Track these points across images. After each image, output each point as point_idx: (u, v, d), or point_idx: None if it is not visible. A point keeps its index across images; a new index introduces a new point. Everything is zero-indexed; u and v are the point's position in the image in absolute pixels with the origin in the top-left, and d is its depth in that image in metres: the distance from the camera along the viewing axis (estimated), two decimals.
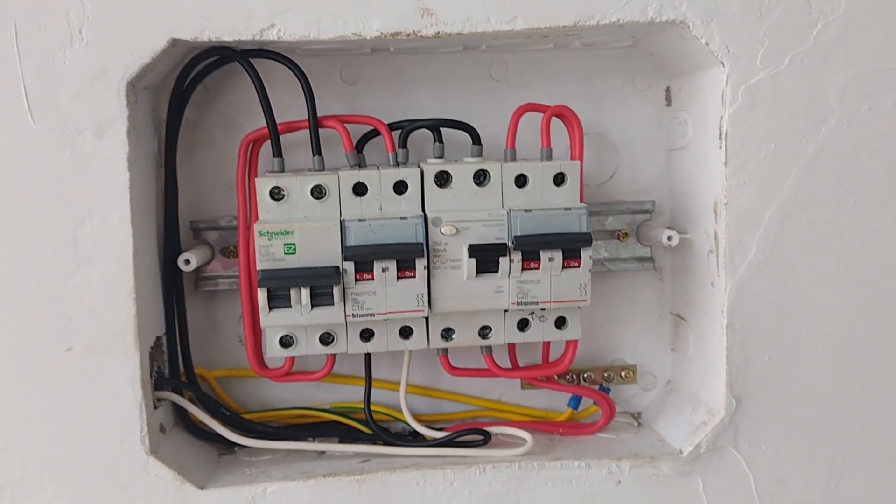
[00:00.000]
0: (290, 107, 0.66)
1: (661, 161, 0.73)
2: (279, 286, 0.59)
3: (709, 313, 0.67)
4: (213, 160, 0.69)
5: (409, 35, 0.59)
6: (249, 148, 0.66)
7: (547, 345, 0.69)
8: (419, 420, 0.70)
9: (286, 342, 0.62)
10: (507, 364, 0.69)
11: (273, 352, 0.62)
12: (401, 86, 0.71)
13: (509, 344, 0.68)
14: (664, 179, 0.73)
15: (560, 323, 0.65)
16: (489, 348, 0.66)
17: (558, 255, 0.61)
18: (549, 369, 0.69)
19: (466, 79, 0.71)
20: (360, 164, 0.66)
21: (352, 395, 0.72)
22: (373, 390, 0.69)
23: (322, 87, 0.65)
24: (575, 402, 0.72)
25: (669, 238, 0.67)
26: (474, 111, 0.71)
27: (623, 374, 0.74)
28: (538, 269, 0.61)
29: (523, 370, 0.69)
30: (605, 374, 0.74)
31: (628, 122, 0.73)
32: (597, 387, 0.73)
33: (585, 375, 0.73)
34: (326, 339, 0.63)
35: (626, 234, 0.72)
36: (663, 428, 0.71)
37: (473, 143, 0.66)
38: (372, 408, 0.69)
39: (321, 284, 0.59)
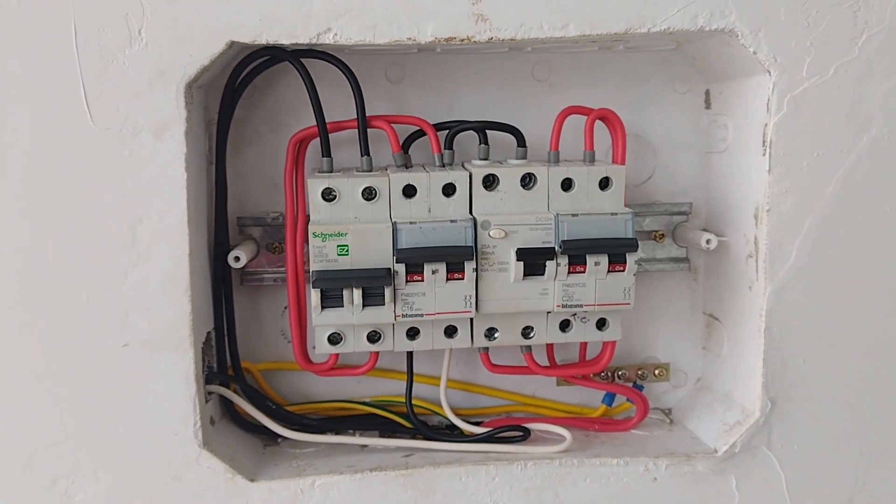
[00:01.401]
0: (335, 105, 0.67)
1: (699, 164, 0.74)
2: (333, 287, 0.60)
3: (745, 316, 0.68)
4: (258, 157, 0.70)
5: (463, 41, 0.60)
6: (297, 146, 0.66)
7: (584, 343, 0.71)
8: (457, 414, 0.71)
9: (335, 339, 0.64)
10: (545, 362, 0.71)
11: (322, 349, 0.64)
12: (444, 85, 0.71)
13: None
14: (701, 182, 0.74)
15: (601, 324, 0.66)
16: (529, 347, 0.68)
17: (604, 260, 0.62)
18: (587, 368, 0.70)
19: (509, 79, 0.72)
20: (407, 164, 0.67)
21: (391, 388, 0.74)
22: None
23: (366, 86, 0.66)
24: (609, 398, 0.74)
25: (708, 241, 0.68)
26: (516, 111, 0.71)
27: (656, 371, 0.75)
28: (584, 272, 0.63)
29: (562, 368, 0.71)
30: (639, 372, 0.75)
31: (667, 124, 0.74)
32: (630, 384, 0.75)
33: (620, 373, 0.75)
34: (374, 336, 0.64)
35: (662, 235, 0.73)
36: (696, 426, 0.72)
37: (518, 146, 0.67)
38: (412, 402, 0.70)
39: (373, 286, 0.60)
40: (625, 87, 0.73)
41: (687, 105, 0.74)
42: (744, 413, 0.68)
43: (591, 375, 0.73)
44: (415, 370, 0.70)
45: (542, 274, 0.62)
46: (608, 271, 0.63)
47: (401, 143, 0.67)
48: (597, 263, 0.62)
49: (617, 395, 0.74)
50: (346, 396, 0.74)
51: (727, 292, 0.71)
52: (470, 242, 0.61)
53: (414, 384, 0.70)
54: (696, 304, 0.76)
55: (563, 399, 0.76)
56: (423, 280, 0.61)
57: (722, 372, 0.73)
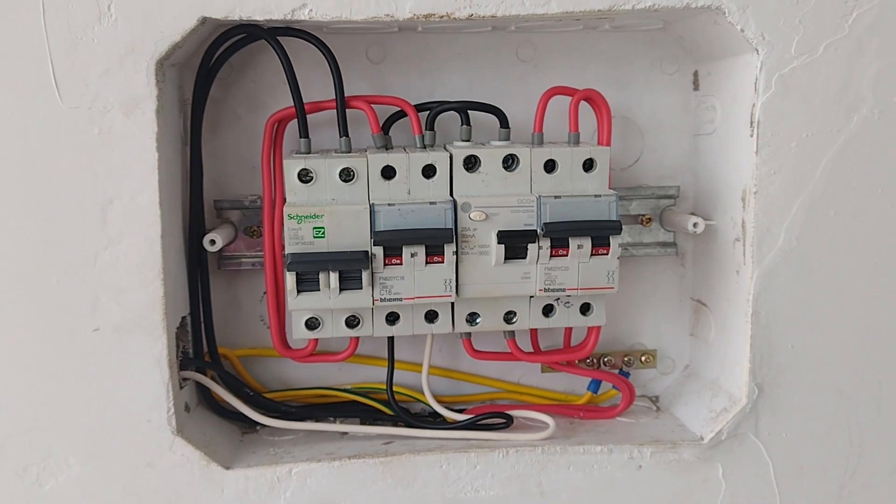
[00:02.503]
0: (314, 85, 0.66)
1: (687, 146, 0.73)
2: (308, 270, 0.59)
3: (733, 301, 0.67)
4: (236, 138, 0.69)
5: (442, 17, 0.58)
6: (275, 127, 0.65)
7: (569, 329, 0.69)
8: (439, 401, 0.70)
9: (312, 324, 0.62)
10: (529, 348, 0.69)
11: (299, 334, 0.62)
12: (427, 65, 0.70)
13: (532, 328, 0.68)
14: (689, 165, 0.73)
15: (585, 309, 0.65)
16: (512, 332, 0.67)
17: (587, 243, 0.61)
18: (572, 354, 0.69)
19: (493, 59, 0.70)
20: (387, 145, 0.65)
21: (372, 375, 0.73)
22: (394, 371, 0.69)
23: (347, 66, 0.64)
24: (595, 385, 0.73)
25: (695, 225, 0.67)
26: (500, 92, 0.70)
27: (643, 358, 0.74)
28: (566, 256, 0.61)
29: (546, 354, 0.70)
30: (625, 359, 0.74)
31: (654, 105, 0.72)
32: (616, 371, 0.74)
33: (606, 359, 0.73)
34: (352, 321, 0.63)
35: (649, 219, 0.72)
36: (682, 413, 0.71)
37: (501, 127, 0.65)
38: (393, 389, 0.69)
39: (350, 269, 0.59)
40: (611, 68, 0.71)
41: (675, 86, 0.72)
42: (731, 400, 0.67)
43: (577, 362, 0.71)
44: (396, 356, 0.69)
45: (524, 257, 0.61)
46: (591, 254, 0.61)
47: (381, 124, 0.65)
48: (580, 246, 0.61)
49: (602, 381, 0.73)
50: (327, 383, 0.73)
51: (715, 277, 0.70)
52: (450, 225, 0.60)
53: (396, 371, 0.69)
54: (683, 289, 0.75)
55: (548, 386, 0.75)
56: (401, 263, 0.60)
57: (709, 358, 0.72)
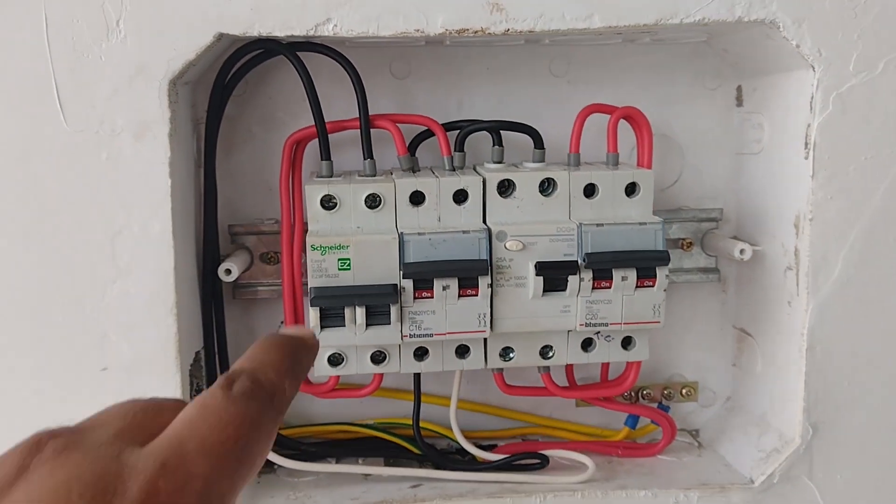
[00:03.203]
0: (334, 102, 0.61)
1: (729, 166, 0.69)
2: (333, 305, 0.54)
3: (784, 333, 0.62)
4: (251, 159, 0.65)
5: (476, 32, 0.54)
6: (294, 148, 0.61)
7: (607, 363, 0.65)
8: (466, 437, 0.65)
9: (335, 360, 0.58)
10: (564, 381, 0.65)
11: (321, 371, 0.58)
12: (454, 81, 0.66)
13: None
14: (731, 186, 0.69)
15: (626, 342, 0.61)
16: (547, 366, 0.62)
17: (632, 274, 0.57)
18: (610, 389, 0.64)
19: (524, 74, 0.66)
20: (414, 168, 0.61)
21: (396, 409, 0.68)
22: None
23: (369, 82, 0.60)
24: (632, 420, 0.68)
25: (742, 252, 0.63)
26: (531, 110, 0.66)
27: (684, 391, 0.70)
28: (609, 288, 0.57)
29: (583, 390, 0.65)
30: (665, 392, 0.70)
31: (695, 122, 0.68)
32: (655, 404, 0.69)
33: (644, 392, 0.69)
34: (378, 357, 0.58)
35: (690, 243, 0.68)
36: (728, 451, 0.67)
37: (535, 147, 0.61)
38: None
39: (378, 303, 0.55)
40: (649, 83, 0.67)
41: (717, 102, 0.68)
42: (782, 439, 0.62)
43: (614, 396, 0.67)
44: (421, 388, 0.65)
45: (564, 290, 0.57)
46: (636, 286, 0.57)
47: (407, 145, 0.61)
48: (624, 278, 0.57)
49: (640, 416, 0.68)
50: (348, 418, 0.68)
51: (762, 306, 0.65)
52: (484, 255, 0.55)
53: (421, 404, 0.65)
54: (725, 317, 0.70)
55: (581, 420, 0.71)
56: (432, 297, 0.55)
57: (755, 392, 0.67)
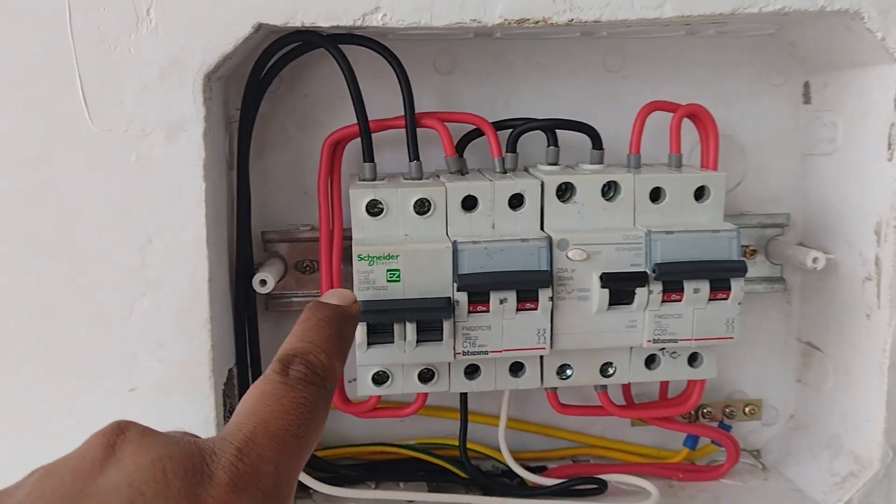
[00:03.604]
0: (374, 99, 0.56)
1: (795, 168, 0.64)
2: (382, 320, 0.50)
3: (860, 348, 0.58)
4: (286, 160, 0.60)
5: (538, 23, 0.50)
6: (333, 149, 0.56)
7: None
8: (515, 458, 0.61)
9: (380, 379, 0.54)
10: (620, 400, 0.61)
11: (365, 391, 0.54)
12: (501, 77, 0.61)
13: None
14: (797, 189, 0.64)
15: (693, 359, 0.56)
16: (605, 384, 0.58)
17: (705, 287, 0.52)
18: (671, 409, 0.60)
19: (577, 69, 0.62)
20: (462, 170, 0.56)
21: (438, 428, 0.64)
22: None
23: (413, 77, 0.55)
24: (692, 441, 0.64)
25: (815, 260, 0.58)
26: (584, 107, 0.62)
27: (747, 409, 0.65)
28: (680, 301, 0.52)
29: (642, 409, 0.61)
30: (727, 410, 0.65)
31: (758, 121, 0.63)
32: (716, 424, 0.65)
33: (705, 411, 0.65)
34: (426, 375, 0.54)
35: (754, 250, 0.63)
36: (795, 474, 0.62)
37: (594, 148, 0.57)
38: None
39: (430, 318, 0.50)
40: (709, 79, 0.63)
41: (782, 99, 0.63)
42: (858, 462, 0.58)
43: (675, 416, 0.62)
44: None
45: (631, 303, 0.52)
46: (709, 299, 0.52)
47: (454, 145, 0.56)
48: (696, 290, 0.52)
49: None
50: (387, 438, 0.64)
51: (834, 319, 0.61)
52: (545, 266, 0.51)
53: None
54: (789, 330, 0.66)
55: (635, 439, 0.66)
56: (488, 311, 0.51)
57: (825, 410, 0.63)
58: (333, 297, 0.43)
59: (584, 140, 0.56)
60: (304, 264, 0.60)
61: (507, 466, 0.60)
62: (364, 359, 0.51)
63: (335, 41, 0.54)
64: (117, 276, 0.49)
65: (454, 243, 0.50)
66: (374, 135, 0.56)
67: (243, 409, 0.32)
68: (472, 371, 0.55)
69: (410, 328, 0.50)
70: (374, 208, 0.52)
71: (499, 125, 0.57)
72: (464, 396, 0.59)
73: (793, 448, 0.64)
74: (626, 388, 0.60)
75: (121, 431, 0.29)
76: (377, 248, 0.50)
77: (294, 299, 0.60)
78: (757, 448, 0.67)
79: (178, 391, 0.51)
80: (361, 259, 0.50)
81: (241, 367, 0.57)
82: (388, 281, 0.50)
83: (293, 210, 0.61)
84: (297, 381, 0.33)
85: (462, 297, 0.50)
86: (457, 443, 0.60)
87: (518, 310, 0.51)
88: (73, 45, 0.48)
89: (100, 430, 0.29)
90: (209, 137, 0.50)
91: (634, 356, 0.55)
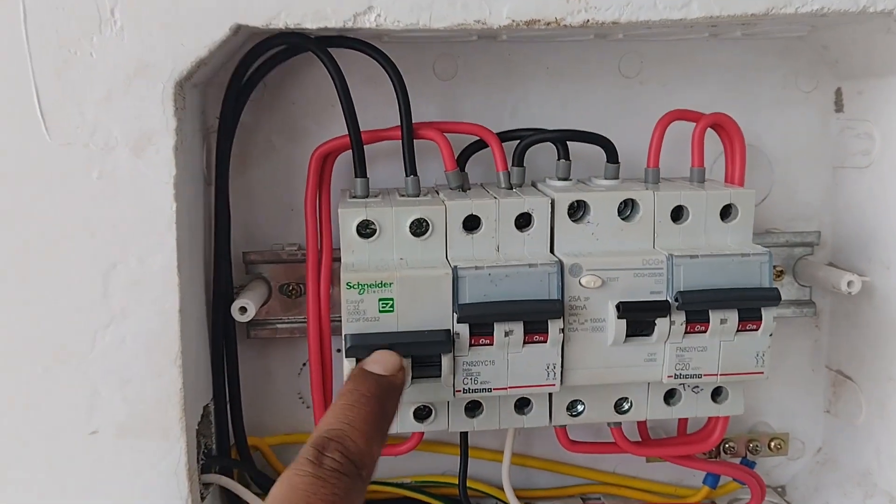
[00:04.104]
0: (366, 108, 0.51)
1: (825, 181, 0.59)
2: None
3: None
4: (270, 175, 0.55)
5: (549, 24, 0.44)
6: (322, 162, 0.51)
7: None
8: (519, 497, 0.56)
9: None
10: (635, 435, 0.55)
11: None
12: (507, 83, 0.56)
13: None
14: (828, 205, 0.59)
15: (716, 393, 0.51)
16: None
17: (733, 316, 0.47)
18: (691, 446, 0.55)
19: (590, 75, 0.57)
20: (463, 185, 0.51)
21: (437, 464, 0.59)
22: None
23: (409, 84, 0.50)
24: (713, 479, 0.59)
25: (850, 284, 0.53)
26: (597, 116, 0.57)
27: (772, 444, 0.60)
28: (705, 332, 0.47)
29: (658, 446, 0.56)
30: (751, 445, 0.60)
31: (786, 131, 0.59)
32: (738, 459, 0.60)
33: (727, 446, 0.59)
34: (422, 412, 0.49)
35: (781, 271, 0.58)
36: None
37: (608, 161, 0.51)
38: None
39: (427, 353, 0.45)
40: (732, 85, 0.58)
41: (812, 107, 0.58)
42: (893, 503, 0.53)
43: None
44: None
45: (650, 334, 0.47)
46: (737, 331, 0.47)
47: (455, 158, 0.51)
48: (723, 321, 0.47)
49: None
50: (381, 476, 0.59)
51: (868, 346, 0.56)
52: (556, 295, 0.46)
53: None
54: (818, 357, 0.61)
55: (650, 476, 0.61)
56: (492, 344, 0.46)
57: (856, 445, 0.58)
58: (378, 364, 0.41)
59: (597, 153, 0.51)
60: (291, 287, 0.55)
61: None
62: None
63: (324, 44, 0.49)
64: (77, 306, 0.44)
65: (454, 269, 0.45)
66: (367, 147, 0.51)
67: None
68: (473, 407, 0.50)
69: (406, 364, 0.45)
70: (365, 229, 0.47)
71: (504, 136, 0.52)
72: (464, 433, 0.54)
73: (820, 485, 0.59)
74: (642, 422, 0.55)
75: None
76: (368, 275, 0.45)
77: (279, 325, 0.55)
78: (781, 484, 0.62)
79: (145, 433, 0.46)
80: (350, 287, 0.44)
81: (218, 403, 0.52)
82: (381, 311, 0.45)
83: (278, 228, 0.56)
84: (330, 474, 0.32)
85: (463, 330, 0.45)
86: (456, 481, 0.55)
87: (525, 343, 0.46)
88: (29, 49, 0.43)
89: None
90: (182, 151, 0.44)
91: (653, 391, 0.50)
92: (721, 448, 0.59)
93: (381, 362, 0.41)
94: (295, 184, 0.54)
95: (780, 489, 0.62)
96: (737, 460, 0.60)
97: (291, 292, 0.55)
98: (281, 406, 0.57)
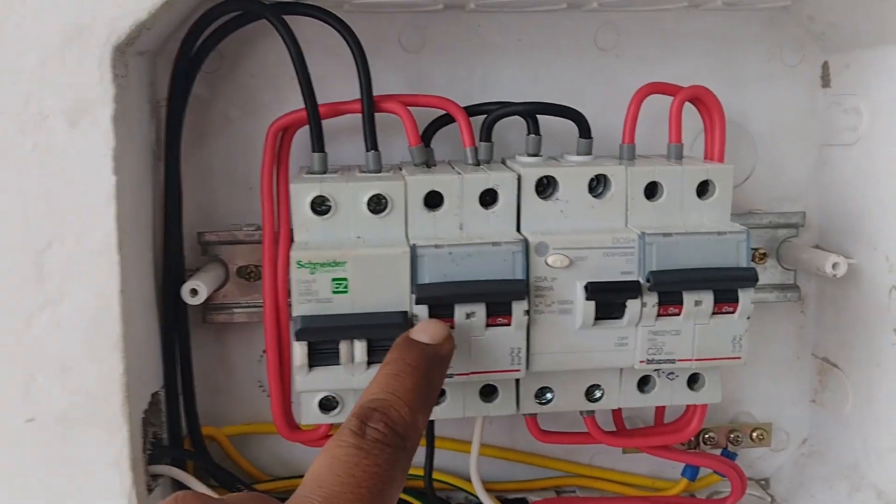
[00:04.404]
0: (329, 81, 0.49)
1: (811, 160, 0.57)
2: (325, 338, 0.42)
3: (885, 366, 0.50)
4: (227, 150, 0.53)
5: None
6: (279, 136, 0.48)
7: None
8: (488, 489, 0.53)
9: (328, 405, 0.46)
10: (610, 425, 0.53)
11: (311, 418, 0.46)
12: (477, 55, 0.54)
13: None
14: (815, 184, 0.57)
15: (693, 381, 0.48)
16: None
17: (708, 298, 0.44)
18: (668, 437, 0.52)
19: (563, 47, 0.54)
20: (428, 162, 0.49)
21: None
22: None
23: (374, 56, 0.48)
24: (692, 471, 0.56)
25: (835, 266, 0.51)
26: (572, 90, 0.55)
27: (754, 434, 0.58)
28: (679, 315, 0.45)
29: (634, 436, 0.53)
30: (731, 435, 0.57)
31: (771, 106, 0.56)
32: (719, 451, 0.57)
33: (707, 437, 0.57)
34: None
35: (764, 254, 0.56)
36: None
37: (581, 136, 0.49)
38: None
39: (383, 336, 0.42)
40: (714, 58, 0.56)
41: (797, 82, 0.56)
42: (881, 497, 0.50)
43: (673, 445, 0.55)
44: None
45: (621, 317, 0.44)
46: (712, 313, 0.45)
47: (420, 133, 0.48)
48: (698, 303, 0.44)
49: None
50: None
51: (855, 333, 0.53)
52: (520, 275, 0.43)
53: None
54: (803, 344, 0.58)
55: (627, 468, 0.59)
56: (453, 327, 0.43)
57: (842, 436, 0.55)
58: (424, 333, 0.39)
59: (570, 127, 0.49)
60: (249, 270, 0.52)
61: (481, 501, 0.53)
62: (305, 384, 0.43)
63: (280, 10, 0.46)
64: (10, 288, 0.42)
65: (412, 247, 0.43)
66: (331, 122, 0.48)
67: (311, 479, 0.30)
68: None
69: (360, 347, 0.42)
70: (320, 206, 0.44)
71: (471, 110, 0.50)
72: (430, 421, 0.51)
73: (805, 478, 0.57)
74: (617, 412, 0.53)
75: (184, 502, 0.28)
76: (320, 254, 0.42)
77: (236, 310, 0.53)
78: (765, 477, 0.60)
79: (87, 422, 0.43)
80: (301, 266, 0.42)
81: (170, 390, 0.50)
82: (334, 292, 0.42)
83: (236, 207, 0.53)
84: (373, 445, 0.31)
85: (421, 311, 0.43)
86: (422, 472, 0.53)
87: (488, 325, 0.43)
88: None
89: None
90: (123, 123, 0.42)
91: (625, 378, 0.48)
92: (700, 438, 0.57)
93: (428, 331, 0.39)
94: (254, 161, 0.52)
95: (763, 482, 0.59)
96: (717, 452, 0.57)
97: (250, 275, 0.52)
98: (240, 395, 0.55)
